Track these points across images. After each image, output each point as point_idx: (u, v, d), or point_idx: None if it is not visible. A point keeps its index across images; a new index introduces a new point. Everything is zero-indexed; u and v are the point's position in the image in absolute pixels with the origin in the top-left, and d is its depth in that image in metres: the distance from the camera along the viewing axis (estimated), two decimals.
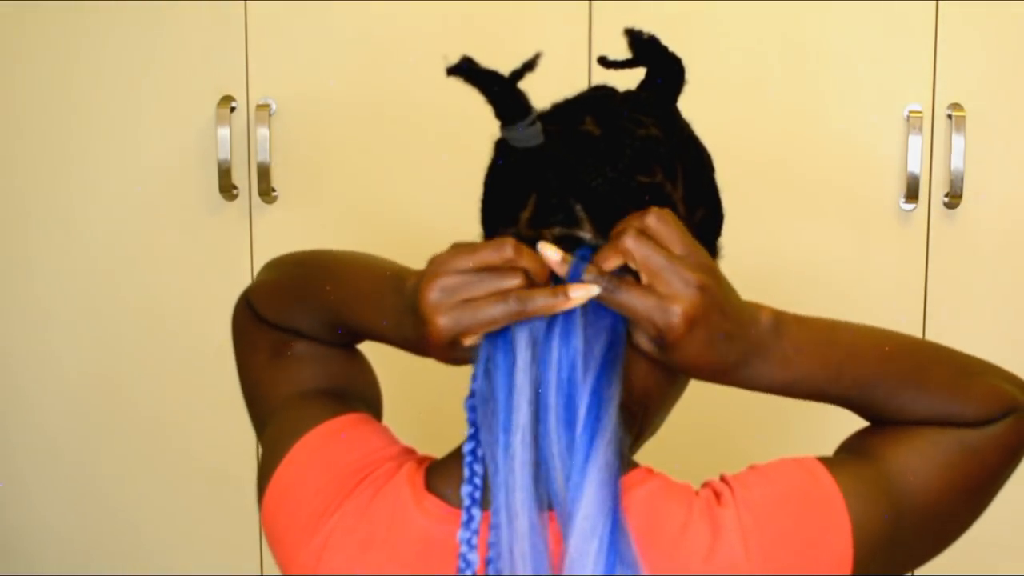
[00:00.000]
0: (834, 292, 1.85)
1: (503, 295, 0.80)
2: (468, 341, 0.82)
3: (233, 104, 1.84)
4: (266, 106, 1.84)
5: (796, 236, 1.85)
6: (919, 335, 1.81)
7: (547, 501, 0.80)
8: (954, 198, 1.80)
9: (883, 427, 0.93)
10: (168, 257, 1.89)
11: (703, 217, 0.90)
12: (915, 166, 1.80)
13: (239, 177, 1.86)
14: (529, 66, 0.82)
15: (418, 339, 0.83)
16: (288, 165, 1.86)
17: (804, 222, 1.85)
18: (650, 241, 0.81)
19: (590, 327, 0.82)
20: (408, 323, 0.84)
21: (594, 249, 0.83)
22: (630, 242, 0.81)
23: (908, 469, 0.88)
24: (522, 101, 0.83)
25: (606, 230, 0.84)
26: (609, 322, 0.82)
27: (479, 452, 0.84)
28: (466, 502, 0.83)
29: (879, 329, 0.93)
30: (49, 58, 1.88)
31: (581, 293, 0.81)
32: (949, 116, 1.80)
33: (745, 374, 0.86)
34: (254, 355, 1.03)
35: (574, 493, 0.78)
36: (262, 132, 1.83)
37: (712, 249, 0.92)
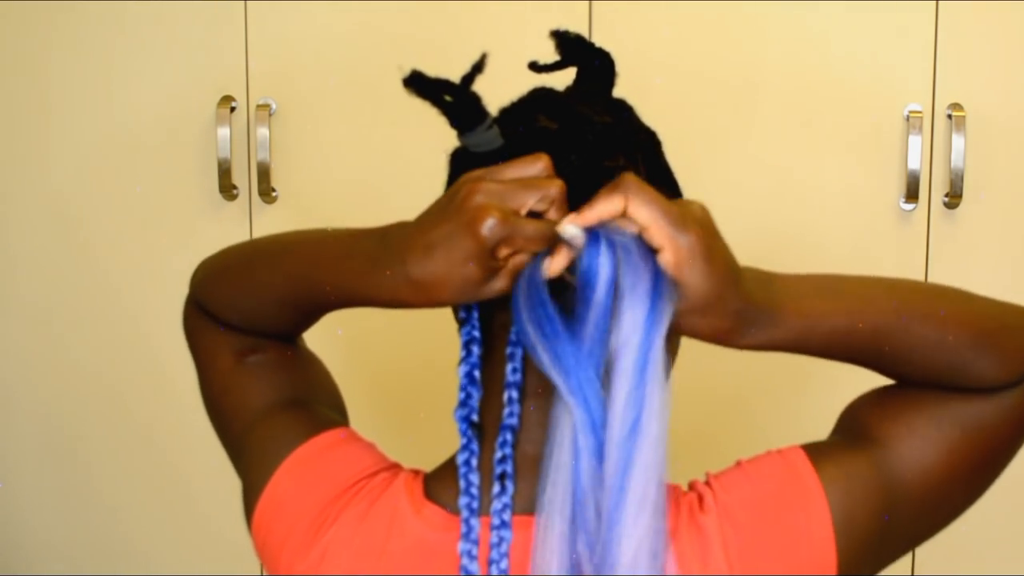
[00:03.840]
0: None
1: (550, 224, 0.79)
2: (504, 253, 0.79)
3: (233, 104, 1.84)
4: (266, 106, 1.84)
5: (796, 236, 1.85)
6: None
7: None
8: (954, 198, 1.80)
9: (885, 399, 0.90)
10: (168, 257, 1.89)
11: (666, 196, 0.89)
12: (915, 166, 1.80)
13: (239, 177, 1.86)
14: (478, 68, 0.82)
15: (427, 269, 0.80)
16: (288, 165, 1.86)
17: (804, 222, 1.85)
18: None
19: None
20: (411, 257, 0.80)
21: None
22: (629, 186, 0.79)
23: (907, 455, 0.86)
24: (478, 105, 0.82)
25: None
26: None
27: (473, 462, 0.84)
28: (464, 513, 0.83)
29: (890, 278, 0.90)
30: (49, 57, 1.88)
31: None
32: (949, 116, 1.80)
33: (757, 316, 0.82)
34: (217, 360, 1.01)
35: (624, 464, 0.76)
36: (262, 132, 1.83)
37: None
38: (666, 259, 0.78)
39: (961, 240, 1.84)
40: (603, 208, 0.79)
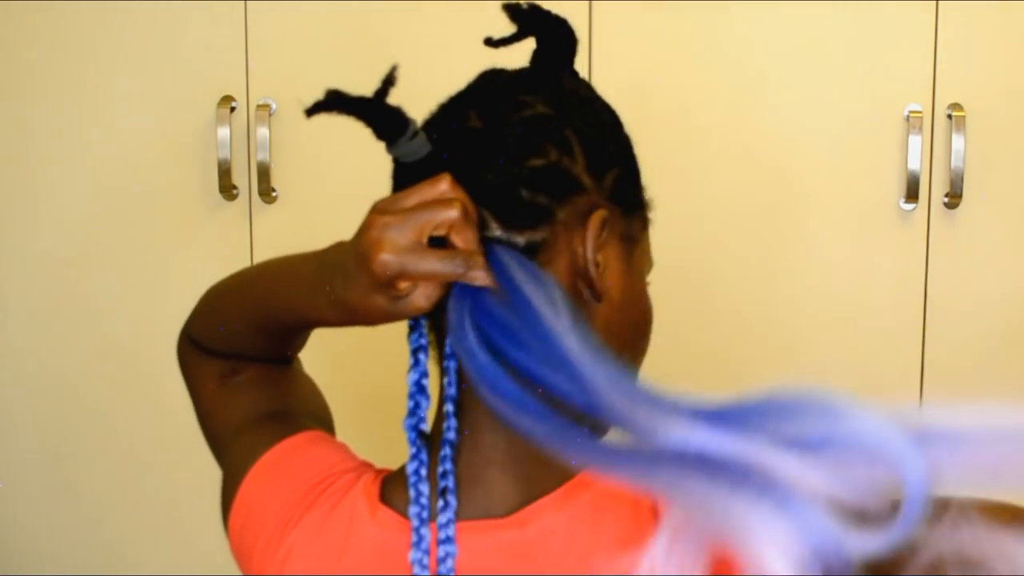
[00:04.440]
0: (834, 292, 1.85)
1: (451, 255, 0.77)
2: (404, 285, 0.78)
3: (233, 104, 1.84)
4: (266, 106, 1.84)
5: (796, 236, 1.85)
6: (919, 335, 1.81)
7: None
8: (954, 198, 1.80)
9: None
10: (168, 257, 1.89)
11: (617, 178, 0.85)
12: (915, 166, 1.80)
13: (239, 177, 1.86)
14: (390, 81, 0.81)
15: (346, 295, 0.80)
16: (288, 165, 1.86)
17: (804, 222, 1.85)
18: None
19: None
20: (335, 281, 0.81)
21: (507, 244, 0.80)
22: None
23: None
24: (397, 117, 0.82)
25: (514, 223, 0.81)
26: None
27: (422, 472, 0.82)
28: (414, 523, 0.82)
29: None
30: (49, 58, 1.88)
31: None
32: (949, 116, 1.80)
33: None
34: (204, 386, 1.04)
35: None
36: (262, 132, 1.84)
37: (637, 204, 0.87)
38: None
39: (961, 240, 1.84)
40: None
